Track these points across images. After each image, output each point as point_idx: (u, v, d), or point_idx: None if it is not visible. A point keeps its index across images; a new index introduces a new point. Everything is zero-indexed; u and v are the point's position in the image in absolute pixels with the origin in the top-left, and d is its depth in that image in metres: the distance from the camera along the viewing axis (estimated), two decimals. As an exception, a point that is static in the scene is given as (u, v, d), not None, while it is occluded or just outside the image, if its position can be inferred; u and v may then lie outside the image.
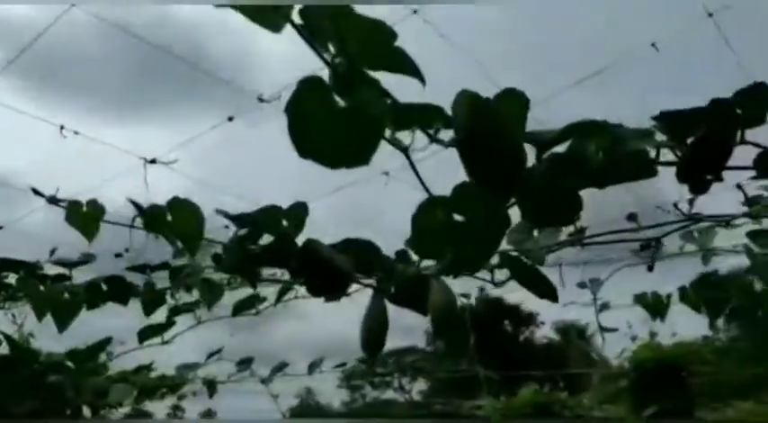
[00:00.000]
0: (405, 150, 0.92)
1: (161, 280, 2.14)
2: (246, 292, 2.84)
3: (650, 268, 1.76)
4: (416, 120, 0.90)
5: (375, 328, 1.40)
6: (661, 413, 5.16)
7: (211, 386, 4.29)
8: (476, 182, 0.94)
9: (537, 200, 1.08)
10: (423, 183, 0.96)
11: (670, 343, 6.45)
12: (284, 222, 1.35)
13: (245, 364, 3.91)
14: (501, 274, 1.60)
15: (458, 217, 1.07)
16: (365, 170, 0.89)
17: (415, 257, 1.58)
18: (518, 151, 0.90)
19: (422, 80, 0.82)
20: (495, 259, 1.50)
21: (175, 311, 2.66)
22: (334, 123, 0.83)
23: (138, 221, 1.48)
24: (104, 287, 2.03)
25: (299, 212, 1.35)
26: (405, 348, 31.13)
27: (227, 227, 1.37)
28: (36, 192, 1.54)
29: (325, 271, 1.34)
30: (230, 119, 3.88)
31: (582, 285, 3.54)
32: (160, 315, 2.59)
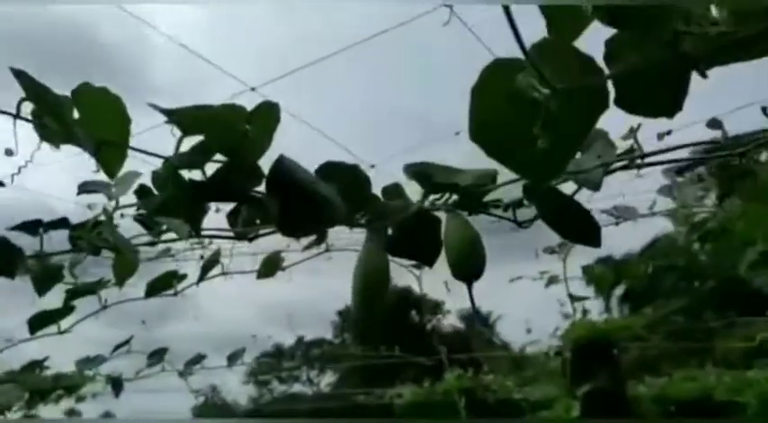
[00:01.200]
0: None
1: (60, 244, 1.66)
2: (165, 267, 2.39)
3: (721, 199, 1.45)
4: None
5: (373, 284, 1.01)
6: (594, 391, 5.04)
7: (117, 384, 3.78)
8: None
9: (642, 75, 0.74)
10: (514, 26, 0.59)
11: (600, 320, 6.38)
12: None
13: (156, 356, 3.42)
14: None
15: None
16: None
17: (410, 194, 1.21)
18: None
19: None
20: (517, 191, 1.16)
21: (74, 293, 2.19)
22: None
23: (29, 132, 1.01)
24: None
25: (267, 117, 0.94)
26: (312, 340, 30.63)
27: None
28: None
29: (306, 201, 0.95)
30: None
31: (551, 251, 3.31)
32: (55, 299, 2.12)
